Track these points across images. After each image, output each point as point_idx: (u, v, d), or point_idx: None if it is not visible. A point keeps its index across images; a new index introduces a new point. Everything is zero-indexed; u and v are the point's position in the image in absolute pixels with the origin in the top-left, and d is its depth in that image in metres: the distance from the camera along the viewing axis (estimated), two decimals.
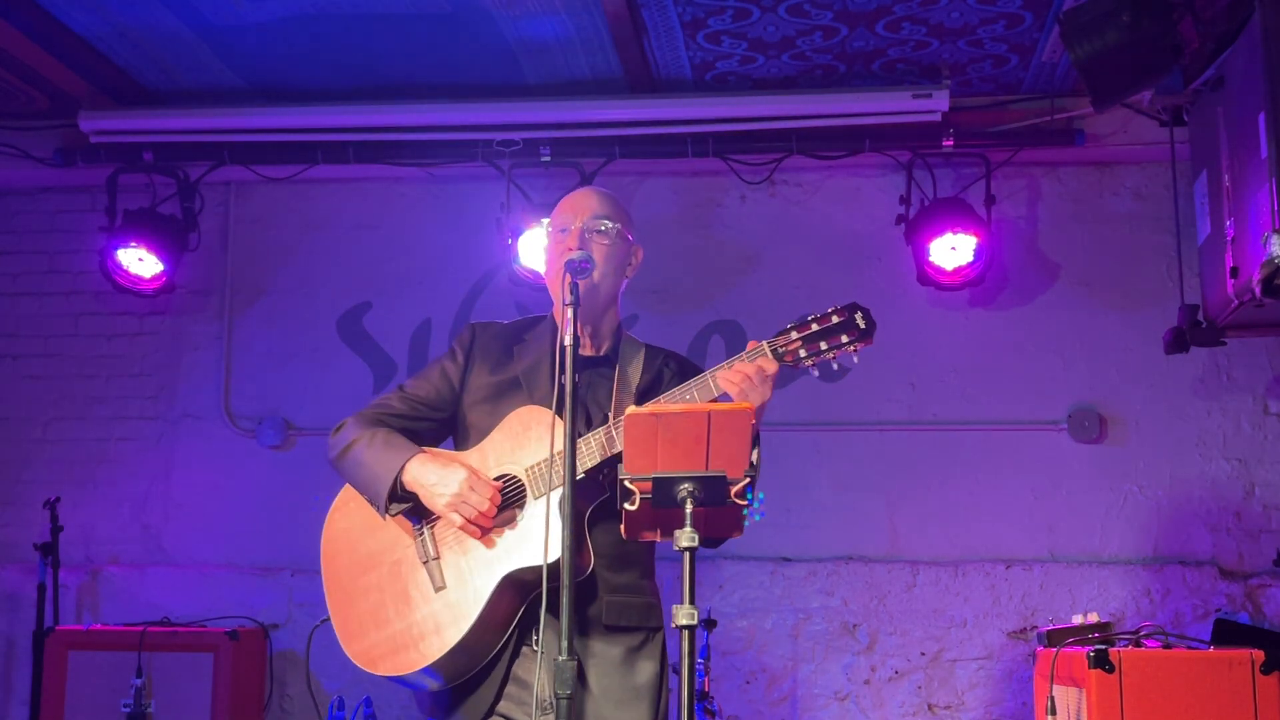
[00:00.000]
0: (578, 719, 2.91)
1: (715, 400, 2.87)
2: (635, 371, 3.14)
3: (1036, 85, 5.48)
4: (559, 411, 2.82)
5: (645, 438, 2.59)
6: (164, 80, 5.58)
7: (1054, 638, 4.61)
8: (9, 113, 5.84)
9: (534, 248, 5.40)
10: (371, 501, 3.05)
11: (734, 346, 5.77)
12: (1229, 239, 4.13)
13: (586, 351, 3.13)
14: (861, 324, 2.89)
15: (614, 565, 3.00)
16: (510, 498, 2.97)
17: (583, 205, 3.14)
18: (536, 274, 5.41)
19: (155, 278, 5.78)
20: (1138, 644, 4.38)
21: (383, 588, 3.03)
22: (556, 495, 2.85)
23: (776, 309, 5.84)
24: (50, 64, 5.37)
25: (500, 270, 5.77)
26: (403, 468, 3.00)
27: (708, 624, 5.07)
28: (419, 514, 3.05)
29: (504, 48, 5.19)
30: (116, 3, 4.88)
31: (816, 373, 2.95)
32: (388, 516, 3.03)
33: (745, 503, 2.62)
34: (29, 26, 5.05)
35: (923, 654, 5.53)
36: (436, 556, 3.00)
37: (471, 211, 5.89)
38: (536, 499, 2.93)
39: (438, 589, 2.97)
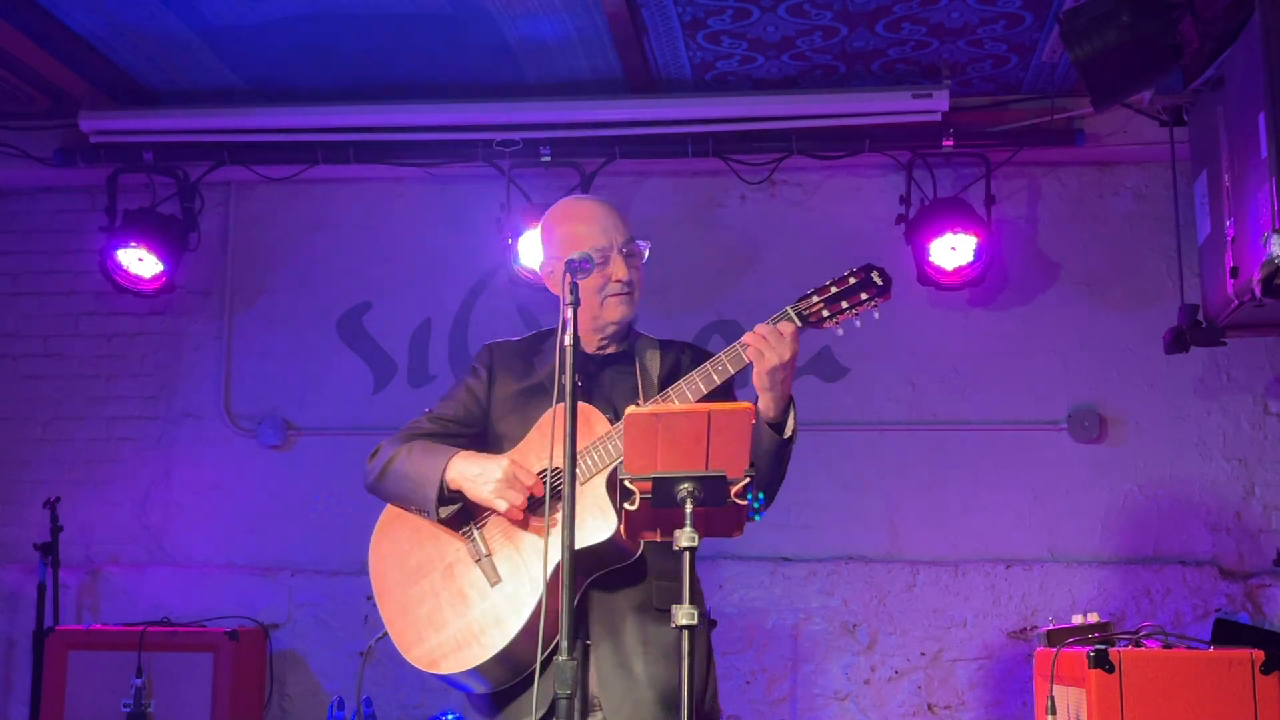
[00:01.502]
0: (625, 707, 2.94)
1: (743, 366, 2.96)
2: (654, 364, 3.21)
3: (1036, 85, 5.48)
4: (561, 410, 2.82)
5: (645, 438, 2.59)
6: (164, 80, 5.58)
7: (1054, 638, 4.61)
8: (9, 113, 5.84)
9: (534, 248, 5.39)
10: (420, 508, 3.10)
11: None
12: (1229, 239, 4.13)
13: (607, 351, 3.23)
14: (879, 280, 3.01)
15: (661, 550, 2.98)
16: (556, 487, 3.00)
17: (611, 228, 3.18)
18: (536, 274, 5.40)
19: (155, 278, 5.78)
20: (1138, 644, 4.38)
21: (437, 592, 3.09)
22: (600, 479, 2.96)
23: (776, 309, 5.82)
24: (50, 64, 5.37)
25: (500, 270, 5.77)
26: (446, 466, 3.06)
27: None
28: (466, 518, 3.10)
29: (504, 48, 5.19)
30: (116, 3, 4.88)
31: (840, 331, 3.04)
32: (437, 521, 3.07)
33: (745, 502, 2.62)
34: (29, 26, 5.05)
35: (923, 654, 5.53)
36: (489, 554, 3.06)
37: (471, 211, 5.90)
38: (580, 485, 2.98)
39: (493, 584, 3.02)
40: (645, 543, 2.98)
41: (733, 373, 3.01)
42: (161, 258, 5.76)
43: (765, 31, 5.00)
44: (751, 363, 2.96)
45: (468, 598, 3.04)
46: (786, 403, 3.01)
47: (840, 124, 5.50)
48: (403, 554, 3.16)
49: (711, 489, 2.57)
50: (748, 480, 2.61)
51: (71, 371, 6.12)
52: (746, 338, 2.96)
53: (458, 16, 4.94)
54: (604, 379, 3.17)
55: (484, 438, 3.24)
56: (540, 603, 2.92)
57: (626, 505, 2.61)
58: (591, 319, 3.17)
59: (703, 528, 2.58)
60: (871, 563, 5.61)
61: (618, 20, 4.88)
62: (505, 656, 2.96)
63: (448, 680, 3.08)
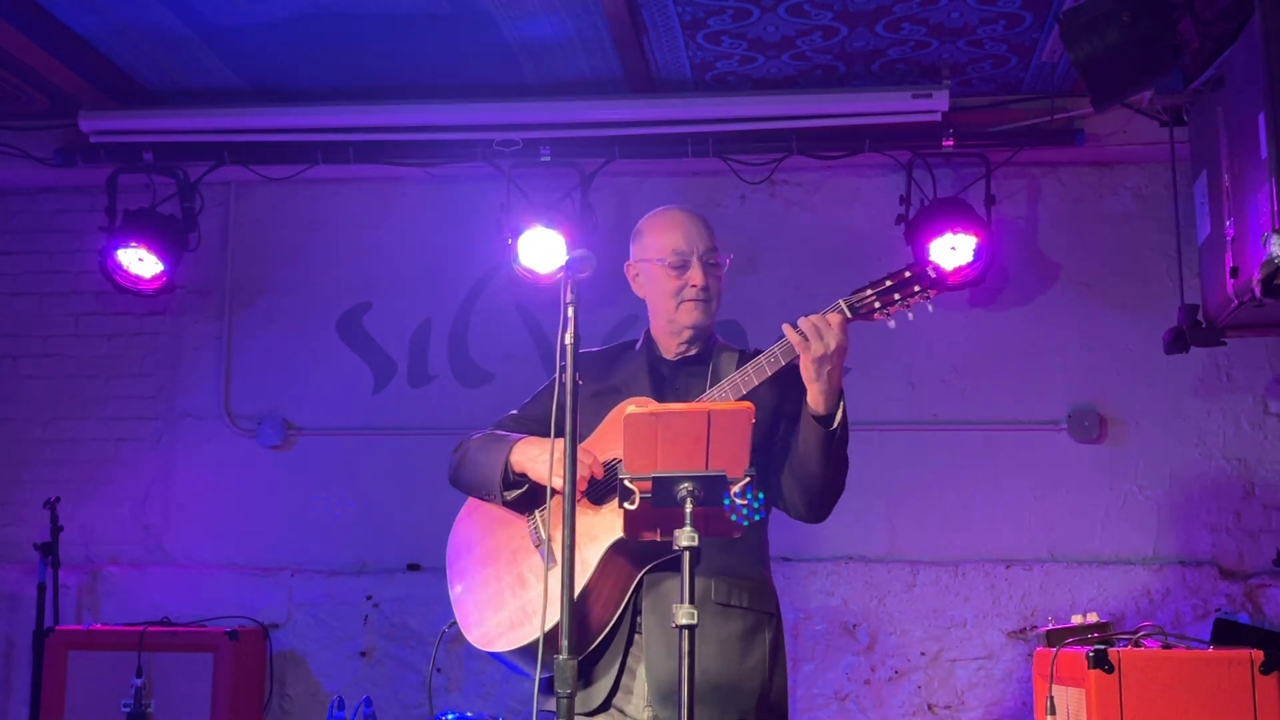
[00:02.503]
0: (673, 695, 2.93)
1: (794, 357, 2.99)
2: (728, 368, 3.22)
3: (1036, 85, 5.48)
4: (557, 411, 2.83)
5: (645, 437, 2.60)
6: (164, 80, 5.58)
7: (1054, 638, 4.61)
8: (9, 113, 5.84)
9: (535, 248, 5.40)
10: (488, 494, 3.20)
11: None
12: (1229, 239, 4.13)
13: (686, 355, 3.28)
14: (933, 274, 3.05)
15: (722, 545, 2.98)
16: (615, 477, 3.02)
17: (695, 235, 3.24)
18: (536, 274, 5.42)
19: (155, 278, 5.78)
20: (1137, 644, 4.38)
21: (500, 576, 3.18)
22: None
23: (776, 309, 5.78)
24: (50, 64, 5.37)
25: (500, 270, 5.77)
26: (511, 450, 3.13)
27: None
28: (532, 503, 3.17)
29: (504, 48, 5.19)
30: (116, 3, 4.88)
31: (892, 323, 3.07)
32: (503, 505, 3.16)
33: (745, 502, 2.62)
34: (29, 26, 5.05)
35: (923, 654, 5.53)
36: (549, 538, 3.08)
37: (471, 211, 5.89)
38: None
39: (550, 568, 3.04)
40: (708, 539, 2.99)
41: (783, 363, 3.02)
42: (161, 258, 5.76)
43: (765, 31, 5.00)
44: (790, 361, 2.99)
45: (525, 580, 3.12)
46: (837, 396, 3.01)
47: (840, 124, 5.49)
48: (473, 541, 3.27)
49: (711, 488, 2.57)
50: (748, 480, 2.61)
51: (71, 371, 6.12)
52: (793, 327, 2.98)
53: (458, 16, 4.94)
54: (678, 382, 3.24)
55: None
56: (590, 583, 2.98)
57: (626, 505, 2.61)
58: (667, 322, 3.25)
59: (703, 527, 2.58)
60: (871, 563, 5.61)
61: (617, 20, 4.88)
62: (554, 637, 2.94)
63: (506, 663, 3.15)
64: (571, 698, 2.63)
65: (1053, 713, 4.40)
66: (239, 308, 6.09)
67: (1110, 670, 4.15)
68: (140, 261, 5.74)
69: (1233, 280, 4.09)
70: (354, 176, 5.98)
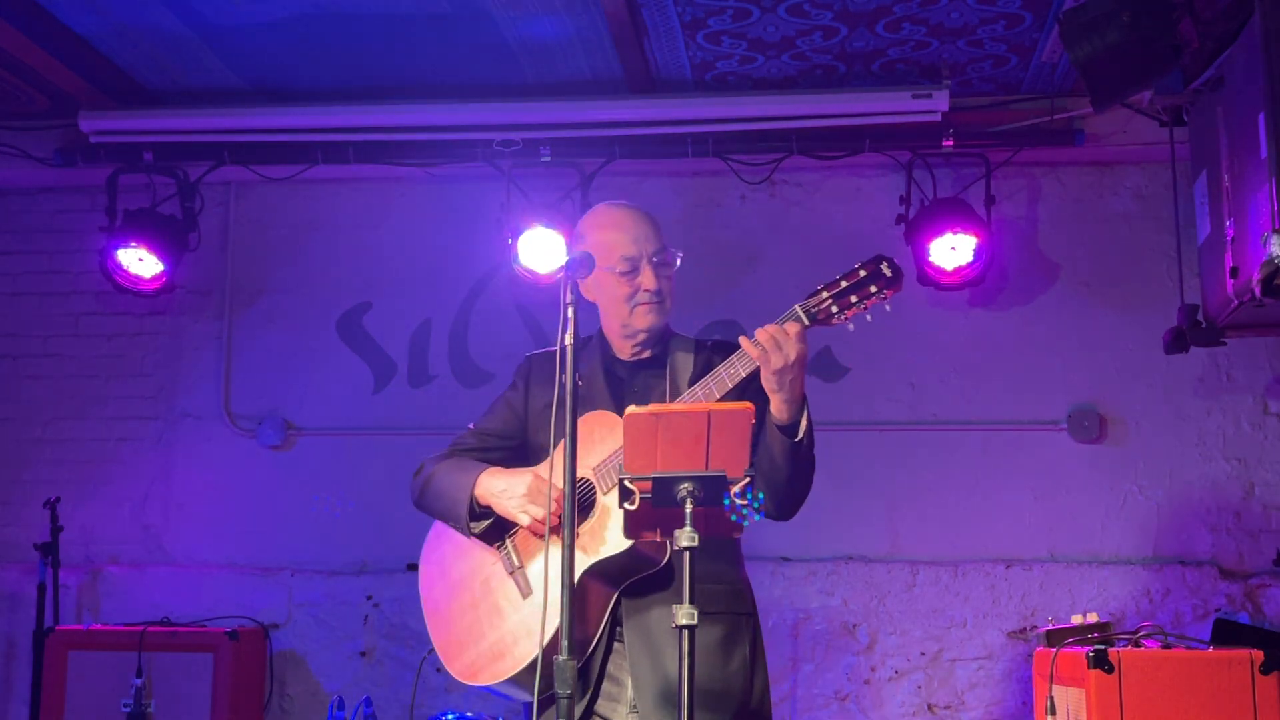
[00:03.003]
0: (661, 704, 2.96)
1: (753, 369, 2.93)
2: (685, 367, 3.21)
3: (1036, 85, 5.48)
4: (559, 411, 2.82)
5: (645, 437, 2.59)
6: (164, 80, 5.58)
7: (1054, 638, 4.61)
8: (9, 113, 5.84)
9: (535, 248, 5.40)
10: (454, 524, 3.17)
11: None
12: (1229, 239, 4.13)
13: (642, 357, 3.24)
14: (888, 272, 2.95)
15: (698, 551, 2.98)
16: (584, 498, 3.04)
17: (643, 236, 3.19)
18: (536, 274, 5.41)
19: (155, 278, 5.78)
20: (1137, 644, 4.38)
21: (476, 605, 3.15)
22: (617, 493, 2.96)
23: (777, 309, 5.79)
24: (50, 64, 5.37)
25: (500, 270, 5.77)
26: (475, 483, 3.11)
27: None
28: (500, 530, 3.14)
29: (504, 48, 5.19)
30: (116, 3, 4.88)
31: (851, 326, 3.00)
32: (472, 537, 3.14)
33: (745, 502, 2.62)
34: (29, 26, 5.05)
35: (923, 654, 5.53)
36: (521, 566, 3.10)
37: (471, 211, 5.89)
38: (605, 495, 3.01)
39: (525, 596, 3.06)
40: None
41: (743, 375, 2.98)
42: (161, 258, 5.76)
43: (765, 31, 5.00)
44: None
45: (502, 610, 3.09)
46: (799, 404, 2.96)
47: (840, 124, 5.49)
48: (445, 568, 3.25)
49: (711, 488, 2.57)
50: (748, 480, 2.61)
51: (71, 371, 6.12)
52: (753, 338, 2.93)
53: (458, 16, 4.94)
54: (636, 384, 3.20)
55: (524, 449, 3.27)
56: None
57: (626, 505, 2.61)
58: (621, 326, 3.20)
59: (703, 528, 2.58)
60: (871, 563, 5.61)
61: (617, 20, 4.88)
62: (536, 667, 2.94)
63: (490, 690, 3.13)
64: (572, 698, 2.63)
65: (1053, 713, 4.41)
66: (239, 308, 6.09)
67: (1110, 670, 4.15)
68: (140, 261, 5.74)
69: (1233, 280, 4.09)
70: (354, 176, 5.98)
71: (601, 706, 3.04)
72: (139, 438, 6.05)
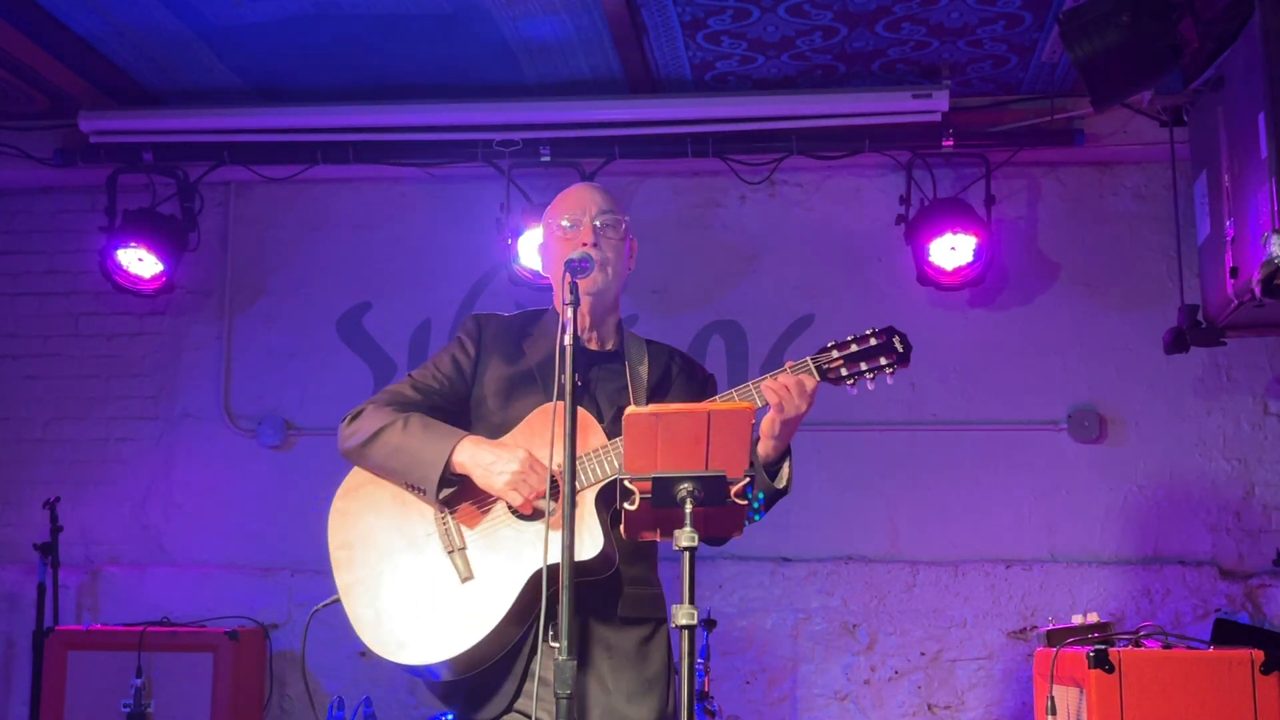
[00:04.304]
0: (594, 714, 2.94)
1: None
2: (644, 368, 3.17)
3: (1036, 85, 5.48)
4: (564, 409, 2.81)
5: (645, 437, 2.59)
6: (164, 80, 5.58)
7: (1054, 638, 4.61)
8: (9, 113, 5.84)
9: (534, 247, 5.39)
10: (415, 485, 3.00)
11: (734, 347, 5.77)
12: (1229, 239, 4.13)
13: (593, 346, 3.17)
14: (899, 348, 3.04)
15: (628, 559, 3.01)
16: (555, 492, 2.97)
17: (588, 199, 3.17)
18: (536, 274, 5.41)
19: (155, 278, 5.78)
20: (1137, 644, 4.38)
21: (402, 576, 3.00)
22: (591, 493, 2.93)
23: (776, 309, 5.86)
24: (50, 64, 5.37)
25: (500, 270, 5.77)
26: (454, 449, 2.97)
27: (707, 624, 5.06)
28: (443, 501, 3.01)
29: (504, 48, 5.19)
30: (116, 3, 4.89)
31: (854, 391, 3.06)
32: (434, 502, 2.98)
33: (745, 502, 2.62)
34: (29, 26, 5.05)
35: (923, 654, 5.53)
36: (462, 546, 2.98)
37: (471, 211, 5.90)
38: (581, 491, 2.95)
39: (464, 580, 2.95)
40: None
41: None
42: (161, 258, 5.76)
43: (765, 31, 5.00)
44: (764, 405, 2.94)
45: (436, 591, 2.96)
46: (784, 452, 3.01)
47: (840, 124, 5.50)
48: (369, 527, 3.05)
49: (711, 489, 2.57)
50: (748, 480, 2.61)
51: (71, 371, 6.12)
52: (770, 385, 2.93)
53: (458, 16, 4.94)
54: (592, 376, 3.12)
55: (461, 414, 3.15)
56: (513, 607, 2.89)
57: (626, 505, 2.60)
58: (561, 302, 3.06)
59: (703, 528, 2.58)
60: (871, 563, 5.61)
61: (617, 20, 4.88)
62: (470, 655, 2.92)
63: (410, 670, 3.02)
64: (571, 699, 2.63)
65: (1053, 713, 4.40)
66: (239, 308, 6.09)
67: (1110, 670, 4.15)
68: (140, 261, 5.74)
69: (1233, 280, 4.09)
70: (354, 176, 5.98)
71: (524, 705, 2.94)
72: (139, 438, 6.05)
